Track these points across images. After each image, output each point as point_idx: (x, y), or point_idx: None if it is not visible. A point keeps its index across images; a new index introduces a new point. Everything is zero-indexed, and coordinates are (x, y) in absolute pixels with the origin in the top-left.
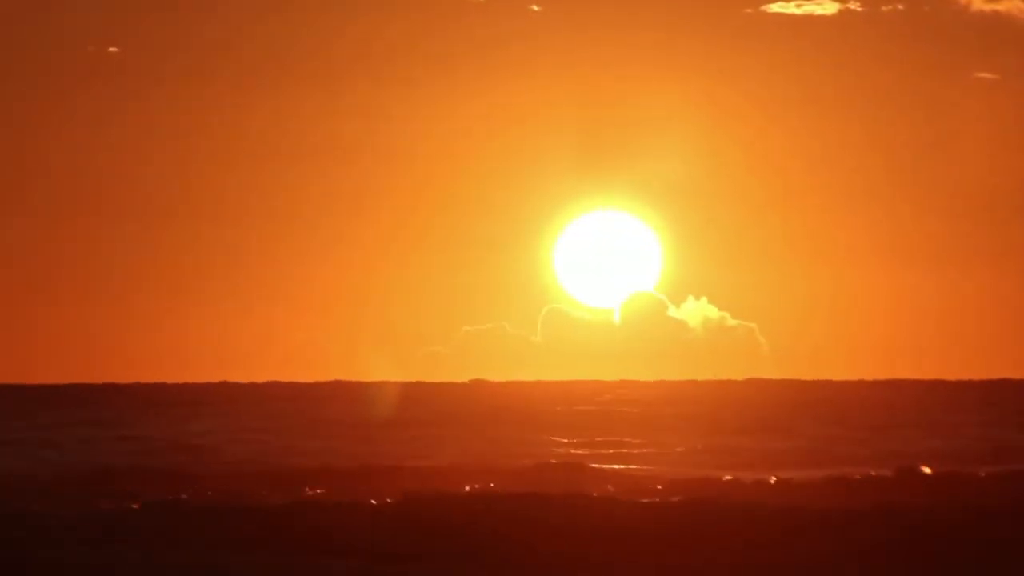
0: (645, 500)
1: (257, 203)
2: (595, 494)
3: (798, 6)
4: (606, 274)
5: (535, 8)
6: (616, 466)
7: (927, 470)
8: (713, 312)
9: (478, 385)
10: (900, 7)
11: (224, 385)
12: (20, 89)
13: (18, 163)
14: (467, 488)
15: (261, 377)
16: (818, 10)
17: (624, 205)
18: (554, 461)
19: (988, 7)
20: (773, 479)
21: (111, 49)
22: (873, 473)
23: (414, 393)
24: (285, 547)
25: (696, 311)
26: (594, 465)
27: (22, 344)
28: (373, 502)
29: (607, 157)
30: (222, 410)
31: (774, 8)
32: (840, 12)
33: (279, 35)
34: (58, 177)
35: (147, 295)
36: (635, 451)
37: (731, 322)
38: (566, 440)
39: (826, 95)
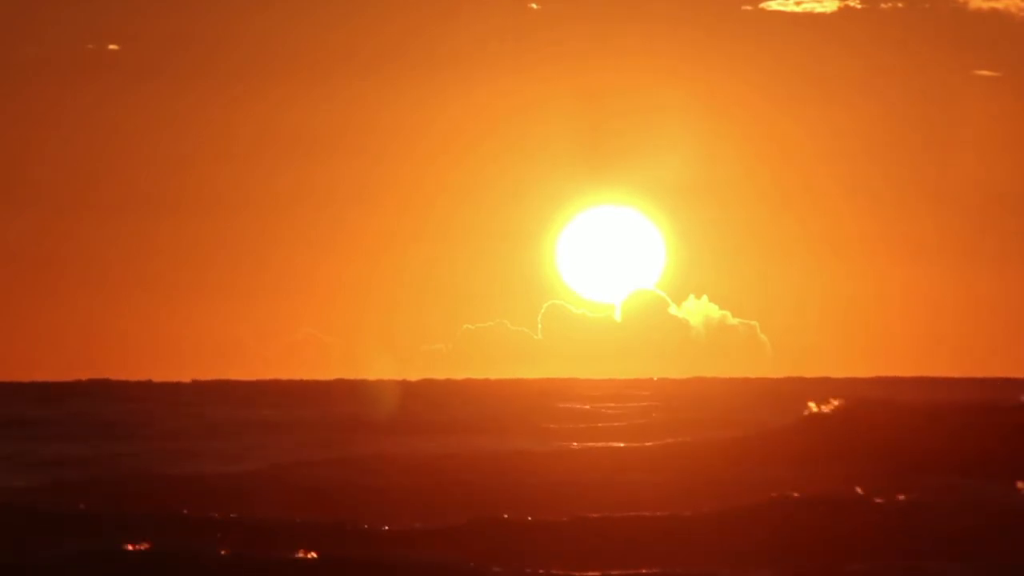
0: None
1: (257, 200)
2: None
3: (797, 3)
4: (608, 270)
5: (534, 6)
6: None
7: None
8: (714, 311)
9: (472, 384)
10: (900, 4)
11: (226, 383)
12: (20, 86)
13: (19, 160)
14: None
15: (261, 375)
16: (818, 7)
17: (624, 200)
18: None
19: (987, 5)
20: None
21: (111, 47)
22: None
23: (415, 391)
24: None
25: (697, 310)
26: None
27: (19, 341)
28: None
29: (608, 154)
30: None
31: (773, 6)
32: (840, 9)
33: (279, 31)
34: (58, 174)
35: (146, 292)
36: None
37: (732, 321)
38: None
39: (826, 93)
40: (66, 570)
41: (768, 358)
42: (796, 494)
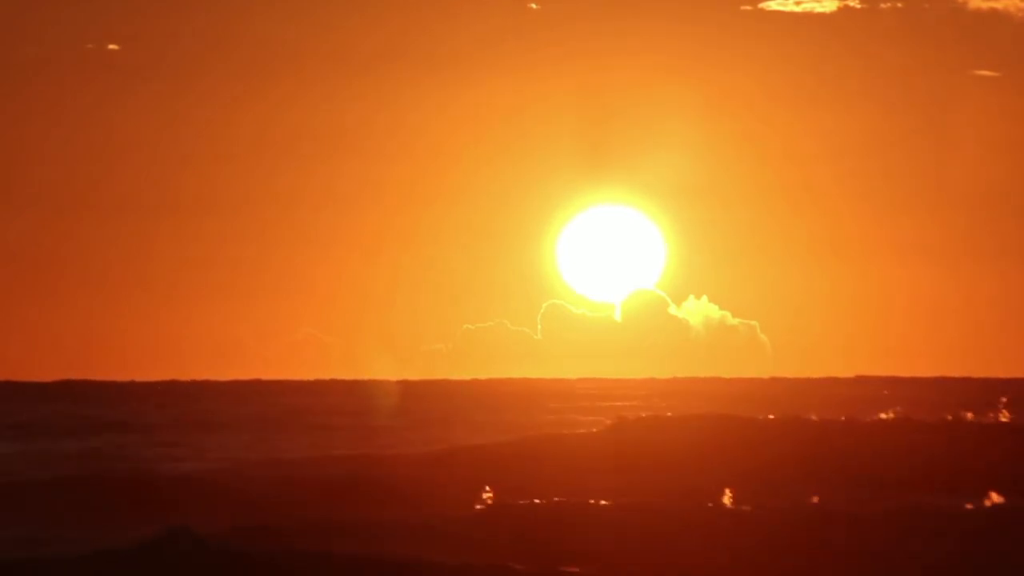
0: None
1: (256, 200)
2: None
3: (797, 3)
4: (608, 270)
5: (534, 6)
6: None
7: None
8: (714, 311)
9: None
10: (899, 4)
11: (227, 384)
12: (20, 86)
13: (19, 160)
14: None
15: (262, 375)
16: (818, 7)
17: (624, 200)
18: None
19: (986, 5)
20: None
21: (111, 47)
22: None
23: (413, 391)
24: None
25: (697, 310)
26: None
27: (17, 341)
28: None
29: (608, 153)
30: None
31: (773, 6)
32: (840, 9)
33: (279, 31)
34: (58, 174)
35: (145, 292)
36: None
37: (732, 321)
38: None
39: (826, 93)
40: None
41: (768, 358)
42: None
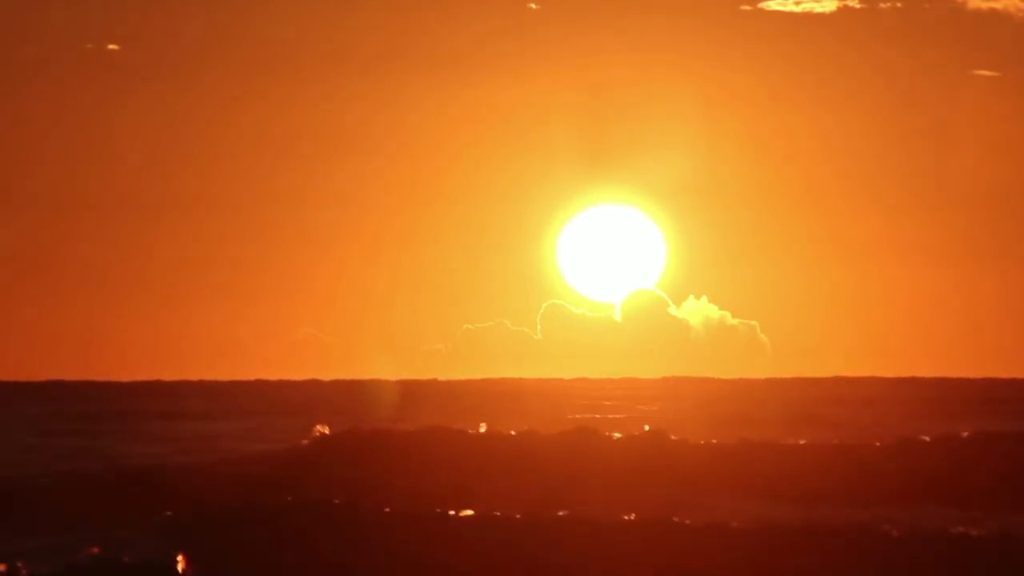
0: None
1: (257, 200)
2: None
3: (796, 3)
4: (608, 270)
5: (533, 6)
6: None
7: None
8: (714, 311)
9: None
10: (899, 4)
11: (225, 384)
12: (20, 86)
13: (18, 160)
14: None
15: (262, 375)
16: (817, 7)
17: (624, 200)
18: None
19: (985, 5)
20: None
21: (111, 47)
22: None
23: (411, 391)
24: None
25: (697, 310)
26: None
27: (19, 341)
28: None
29: (608, 153)
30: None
31: (772, 5)
32: (839, 9)
33: (279, 31)
34: (58, 174)
35: (146, 292)
36: None
37: (732, 321)
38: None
39: (826, 93)
40: None
41: (768, 358)
42: None
